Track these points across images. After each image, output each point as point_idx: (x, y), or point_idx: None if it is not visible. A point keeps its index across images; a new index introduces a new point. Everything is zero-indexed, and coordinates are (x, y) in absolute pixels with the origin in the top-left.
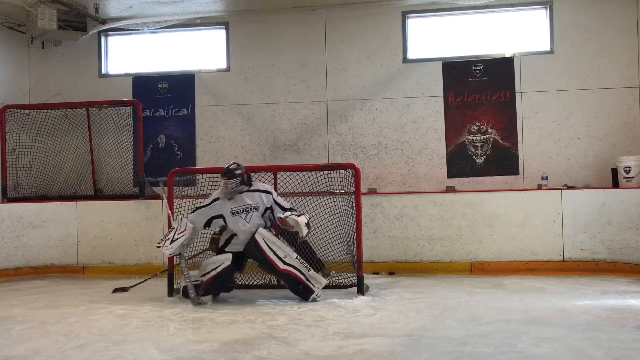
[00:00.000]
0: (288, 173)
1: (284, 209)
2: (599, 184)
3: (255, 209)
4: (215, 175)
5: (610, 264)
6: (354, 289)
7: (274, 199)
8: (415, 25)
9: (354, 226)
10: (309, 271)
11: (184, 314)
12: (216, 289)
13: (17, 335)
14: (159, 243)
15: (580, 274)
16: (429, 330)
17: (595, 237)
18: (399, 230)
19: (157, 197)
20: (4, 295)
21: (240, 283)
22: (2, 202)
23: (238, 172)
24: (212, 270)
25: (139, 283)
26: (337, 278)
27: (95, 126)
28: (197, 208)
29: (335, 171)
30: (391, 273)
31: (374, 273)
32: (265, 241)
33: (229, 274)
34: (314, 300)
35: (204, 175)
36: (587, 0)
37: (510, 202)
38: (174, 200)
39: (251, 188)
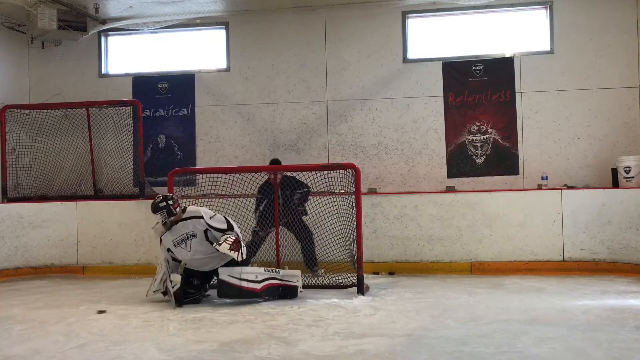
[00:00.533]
0: (288, 173)
1: (218, 230)
2: (599, 184)
3: (193, 235)
4: (215, 175)
5: (610, 264)
6: (354, 289)
7: (206, 222)
8: (415, 25)
9: (354, 226)
10: (279, 273)
11: (184, 314)
12: (178, 303)
13: (17, 335)
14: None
15: (580, 274)
16: (429, 330)
17: (595, 237)
18: (399, 230)
19: None
20: (4, 295)
21: None
22: (2, 202)
23: (162, 204)
24: (172, 288)
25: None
26: (337, 278)
27: (95, 126)
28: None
29: (335, 171)
30: (391, 273)
31: (374, 273)
32: (232, 277)
33: (182, 294)
34: (300, 293)
35: (204, 175)
36: (587, 0)
37: (510, 202)
38: None
39: (184, 215)
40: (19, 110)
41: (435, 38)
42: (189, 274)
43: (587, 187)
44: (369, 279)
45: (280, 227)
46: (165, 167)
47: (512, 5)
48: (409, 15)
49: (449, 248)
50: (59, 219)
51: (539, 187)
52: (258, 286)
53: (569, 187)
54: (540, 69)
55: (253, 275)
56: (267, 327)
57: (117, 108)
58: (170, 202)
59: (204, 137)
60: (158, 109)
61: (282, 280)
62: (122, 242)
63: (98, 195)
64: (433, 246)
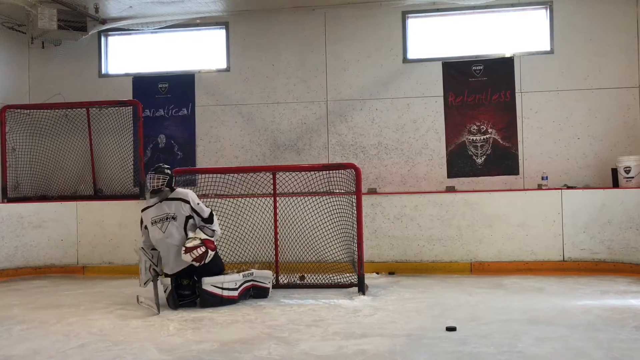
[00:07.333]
0: (288, 173)
1: (200, 217)
2: (599, 184)
3: (173, 218)
4: (215, 175)
5: (610, 264)
6: (354, 289)
7: (191, 207)
8: (415, 25)
9: (355, 226)
10: (252, 275)
11: (184, 314)
12: (173, 306)
13: (17, 335)
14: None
15: (580, 274)
16: (429, 330)
17: (595, 237)
18: (399, 230)
19: None
20: (4, 295)
21: None
22: (2, 202)
23: (168, 171)
24: (165, 291)
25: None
26: (337, 278)
27: (95, 126)
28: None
29: (335, 171)
30: (391, 273)
31: (374, 273)
32: (215, 286)
33: (175, 297)
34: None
35: (204, 175)
36: (587, 0)
37: (510, 202)
38: None
39: (171, 195)
40: (19, 110)
41: (435, 38)
42: (176, 276)
43: (587, 187)
44: (369, 279)
45: None
46: None
47: (512, 5)
48: (409, 15)
49: (449, 248)
50: (59, 219)
51: (539, 187)
52: (236, 293)
53: (569, 187)
54: (540, 69)
55: (233, 283)
56: (267, 327)
57: (117, 108)
58: (172, 174)
59: (204, 137)
60: (158, 109)
61: (254, 280)
62: (122, 242)
63: (98, 195)
64: (433, 246)
